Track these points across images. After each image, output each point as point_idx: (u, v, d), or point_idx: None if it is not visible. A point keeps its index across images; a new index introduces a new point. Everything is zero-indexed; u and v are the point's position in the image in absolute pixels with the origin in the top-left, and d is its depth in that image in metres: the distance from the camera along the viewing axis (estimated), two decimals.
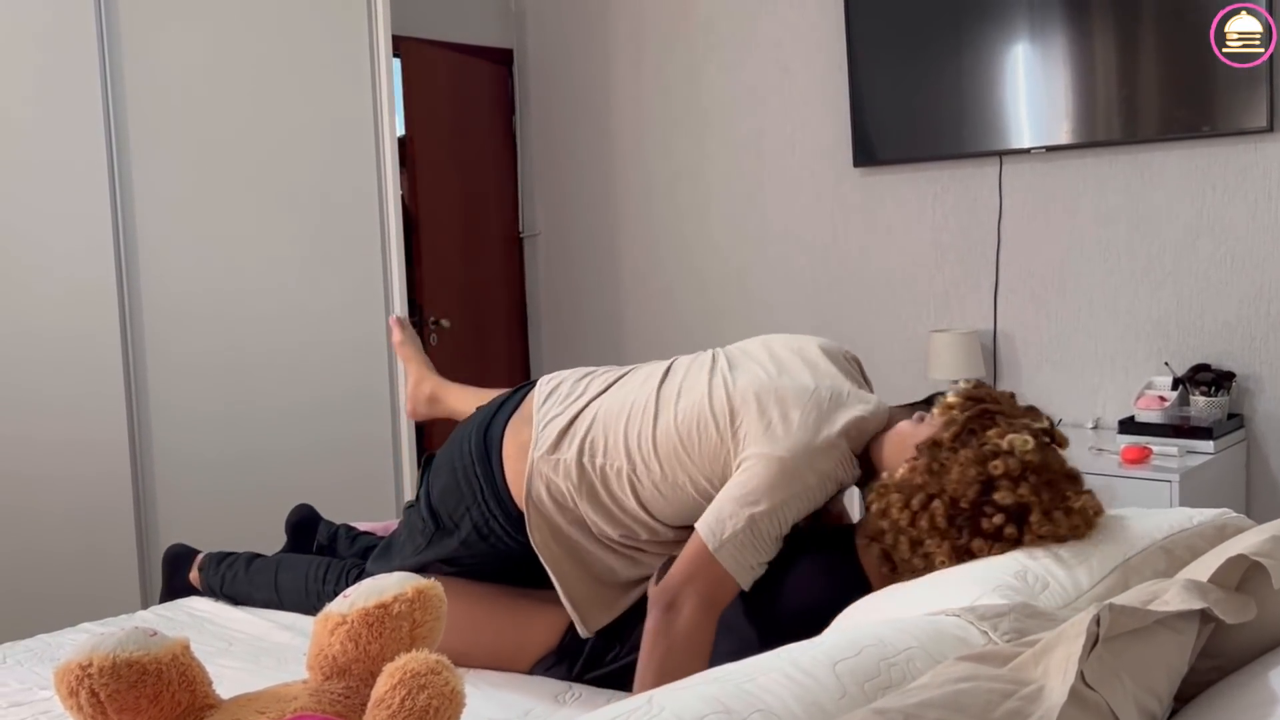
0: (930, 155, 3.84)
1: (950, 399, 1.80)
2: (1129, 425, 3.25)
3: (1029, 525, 1.65)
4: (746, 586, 1.79)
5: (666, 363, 2.04)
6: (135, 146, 3.18)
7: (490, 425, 2.07)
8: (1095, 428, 3.56)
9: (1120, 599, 1.09)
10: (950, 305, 3.88)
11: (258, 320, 3.47)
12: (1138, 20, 3.37)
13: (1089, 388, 3.61)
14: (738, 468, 1.82)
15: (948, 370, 3.66)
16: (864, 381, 2.02)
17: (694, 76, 4.50)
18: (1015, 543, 1.66)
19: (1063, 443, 1.77)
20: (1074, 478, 1.75)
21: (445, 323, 4.63)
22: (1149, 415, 3.23)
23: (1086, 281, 3.58)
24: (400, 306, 3.78)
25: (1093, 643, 0.93)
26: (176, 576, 2.51)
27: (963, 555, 1.67)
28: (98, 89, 3.10)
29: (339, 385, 3.64)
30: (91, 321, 3.13)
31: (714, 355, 2.00)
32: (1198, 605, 1.07)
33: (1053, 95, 3.53)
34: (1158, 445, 3.09)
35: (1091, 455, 3.20)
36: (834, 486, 1.85)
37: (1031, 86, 3.58)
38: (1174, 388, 3.29)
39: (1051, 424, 1.79)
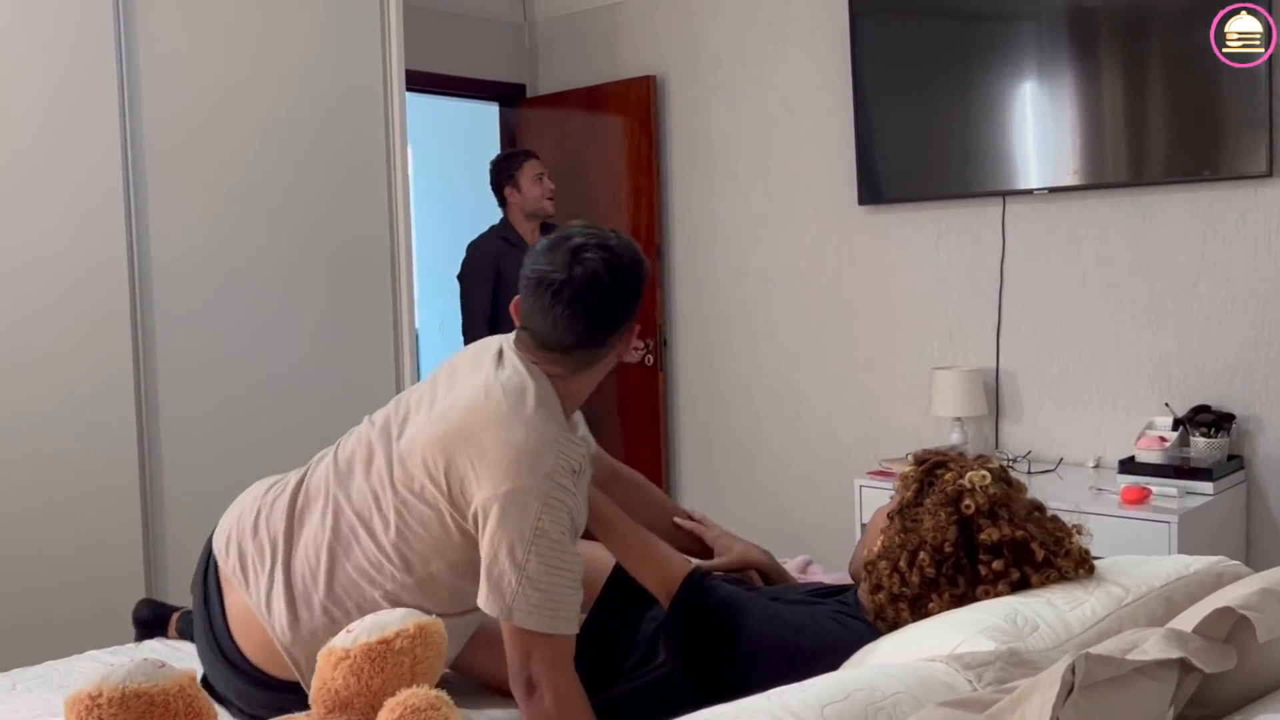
0: (935, 194, 3.88)
1: (904, 470, 1.84)
2: (1129, 465, 3.27)
3: (1034, 564, 1.68)
4: (574, 629, 1.71)
5: (328, 471, 1.86)
6: (151, 171, 3.24)
7: (212, 624, 1.87)
8: (1096, 467, 3.58)
9: (1098, 648, 1.12)
10: (953, 343, 3.91)
11: (269, 345, 3.51)
12: (1144, 64, 3.42)
13: (1090, 427, 3.63)
14: (475, 522, 1.70)
15: (951, 407, 3.69)
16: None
17: (702, 114, 4.56)
18: (1021, 585, 1.69)
19: (1018, 487, 1.80)
20: (1040, 508, 1.78)
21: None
22: (1149, 455, 3.25)
23: (1088, 321, 3.61)
24: (409, 334, 3.82)
25: (1068, 691, 0.96)
26: (154, 637, 2.43)
27: (965, 604, 1.68)
28: (115, 114, 3.16)
29: (348, 412, 3.66)
30: (103, 341, 3.16)
31: (376, 434, 1.85)
32: (1175, 654, 1.10)
33: (1058, 137, 3.58)
34: (1157, 486, 3.11)
35: (1091, 495, 3.22)
36: (570, 467, 1.73)
37: (1037, 128, 3.62)
38: (1174, 428, 3.31)
39: (1003, 466, 1.82)
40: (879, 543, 1.79)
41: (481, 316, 4.34)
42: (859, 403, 4.06)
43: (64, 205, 3.10)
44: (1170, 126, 3.39)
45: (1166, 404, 3.42)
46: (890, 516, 1.79)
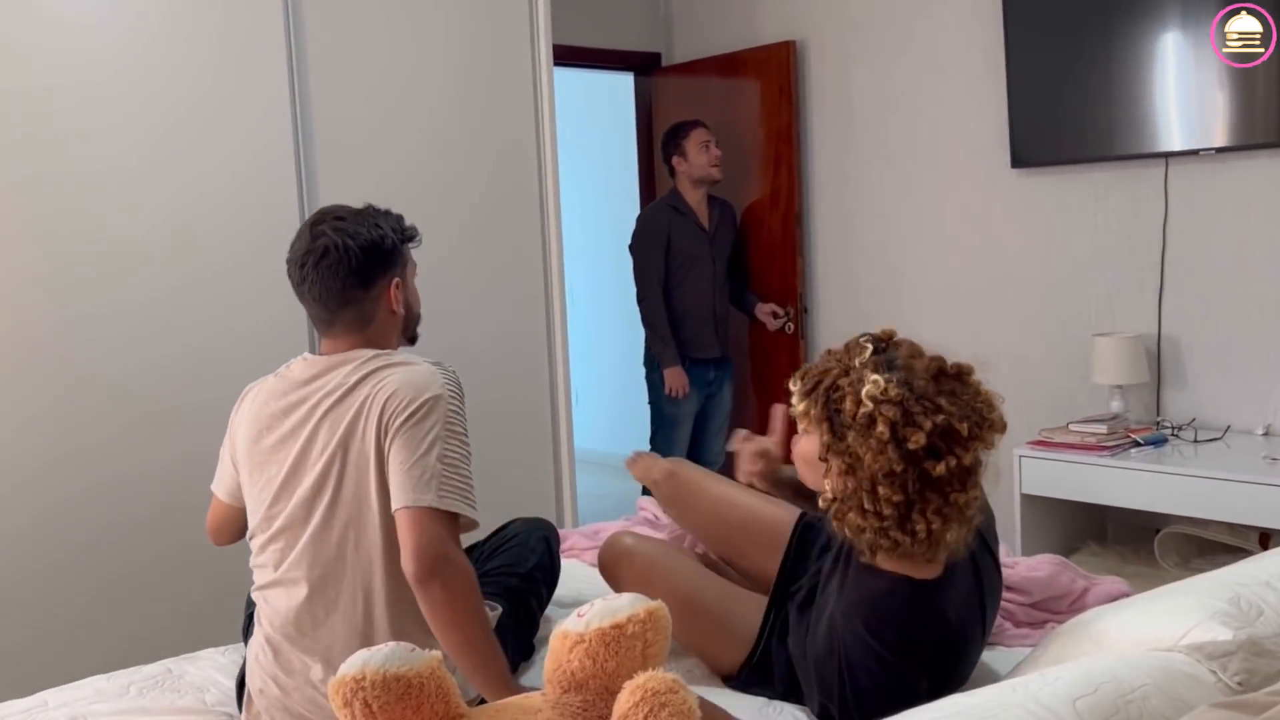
0: (1091, 156, 3.79)
1: (799, 407, 1.74)
2: None
3: (962, 443, 1.62)
4: (478, 516, 1.87)
5: (290, 612, 1.92)
6: (321, 167, 3.35)
7: None
8: (1266, 434, 3.48)
9: None
10: (1113, 309, 3.82)
11: (431, 327, 3.61)
12: None
13: (1259, 393, 3.53)
14: (403, 436, 1.84)
15: (1111, 375, 3.61)
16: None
17: (844, 78, 4.51)
18: (971, 469, 1.64)
19: (909, 355, 1.72)
20: (943, 371, 1.70)
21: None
22: None
23: (1257, 284, 3.50)
24: (560, 307, 3.88)
25: None
26: None
27: (945, 510, 1.63)
28: (288, 113, 3.27)
29: (499, 387, 3.75)
30: (280, 331, 3.30)
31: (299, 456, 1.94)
32: None
33: (1217, 96, 3.45)
34: None
35: (1265, 464, 3.13)
36: (454, 380, 1.96)
37: (1195, 86, 3.50)
38: None
39: (877, 347, 1.74)
40: (827, 488, 1.71)
41: (657, 282, 4.38)
42: (1014, 371, 3.99)
43: (244, 218, 3.23)
44: None
45: None
46: (823, 459, 1.70)
